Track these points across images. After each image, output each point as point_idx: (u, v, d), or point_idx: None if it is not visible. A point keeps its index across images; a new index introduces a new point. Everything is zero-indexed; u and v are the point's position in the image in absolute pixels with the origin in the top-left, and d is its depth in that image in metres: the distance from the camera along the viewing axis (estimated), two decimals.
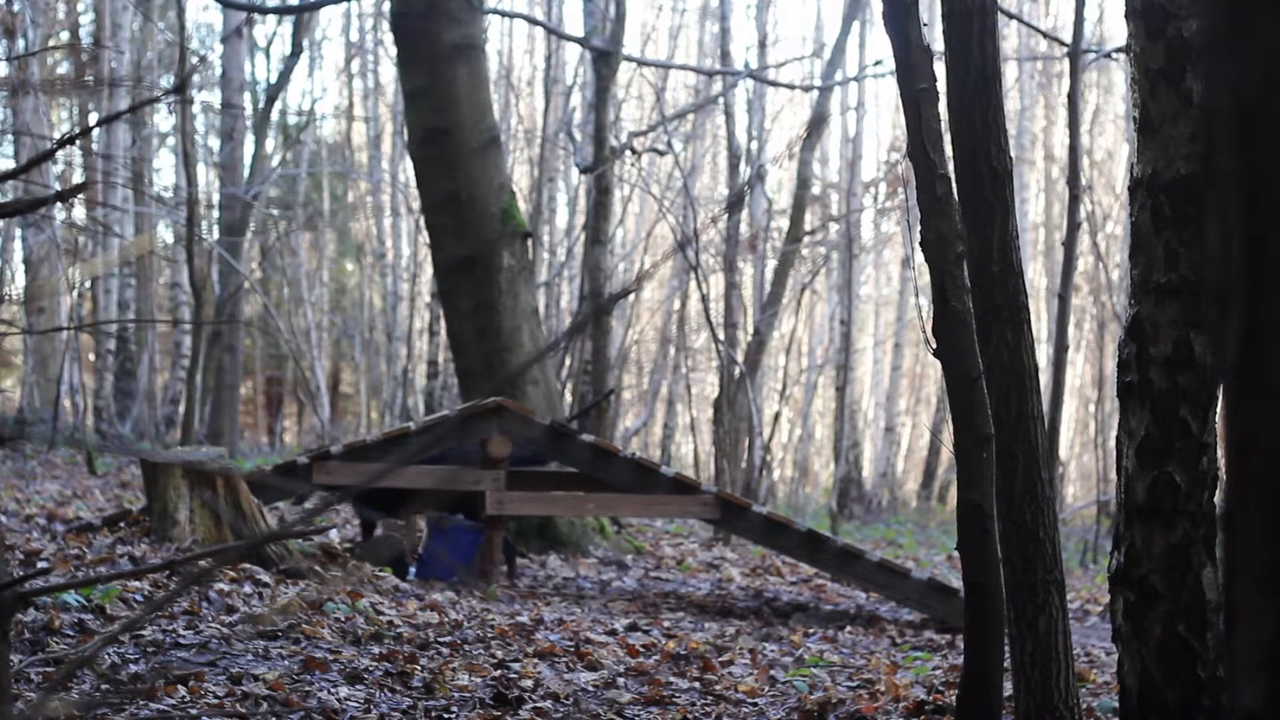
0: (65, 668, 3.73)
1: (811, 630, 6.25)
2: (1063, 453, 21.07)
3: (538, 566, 8.09)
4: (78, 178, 17.48)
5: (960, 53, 3.04)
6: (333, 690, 3.88)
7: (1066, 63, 8.48)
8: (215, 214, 17.69)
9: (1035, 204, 22.76)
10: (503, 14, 13.36)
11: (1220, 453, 2.91)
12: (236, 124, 16.42)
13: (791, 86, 16.50)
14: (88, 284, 18.30)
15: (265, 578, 5.29)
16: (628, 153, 13.36)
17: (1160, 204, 2.92)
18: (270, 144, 19.64)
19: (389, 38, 15.68)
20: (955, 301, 3.14)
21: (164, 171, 24.14)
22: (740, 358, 13.22)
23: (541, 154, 16.76)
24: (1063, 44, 8.86)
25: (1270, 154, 0.80)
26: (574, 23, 18.77)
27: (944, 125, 3.15)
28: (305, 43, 17.38)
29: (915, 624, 6.78)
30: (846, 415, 15.76)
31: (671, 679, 4.54)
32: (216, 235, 16.45)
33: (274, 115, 18.30)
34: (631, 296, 18.77)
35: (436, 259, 9.05)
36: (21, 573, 4.30)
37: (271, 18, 19.15)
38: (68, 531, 6.59)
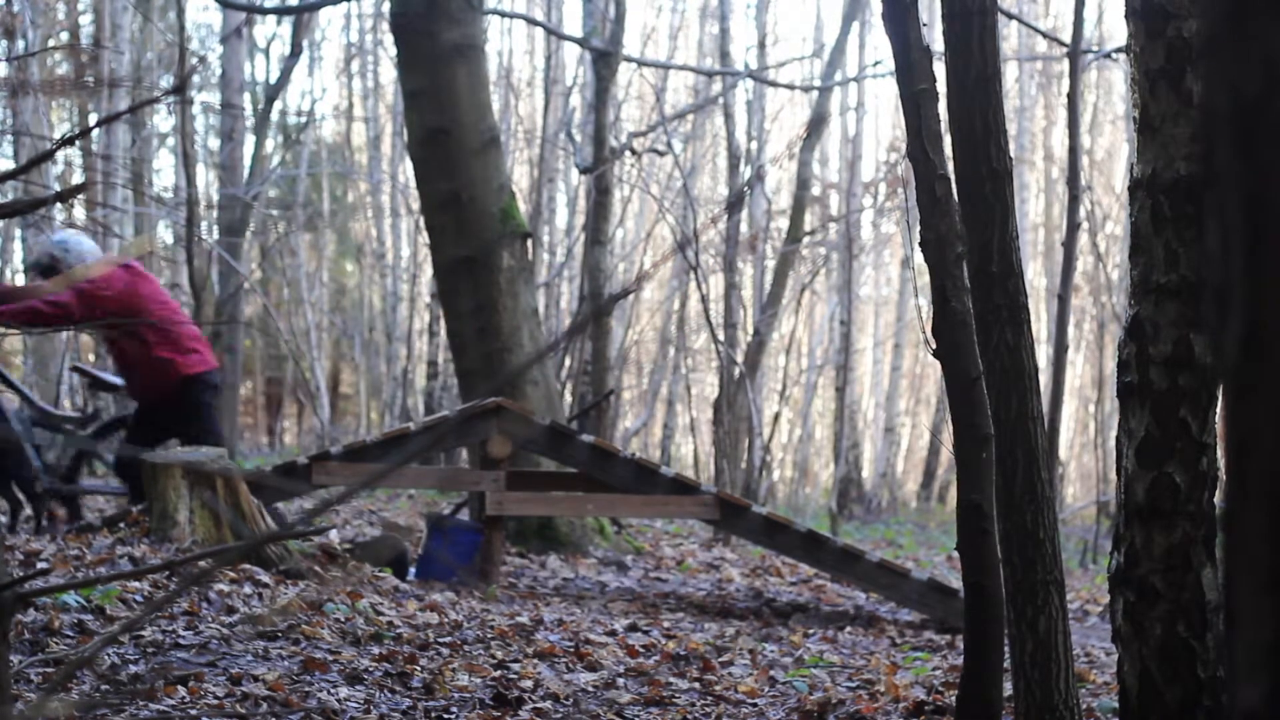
0: (65, 668, 3.72)
1: (811, 630, 6.25)
2: (1063, 453, 21.07)
3: (538, 566, 8.08)
4: (78, 178, 17.48)
5: (960, 53, 3.04)
6: (333, 691, 3.88)
7: (1066, 63, 8.48)
8: (215, 214, 17.67)
9: (1035, 204, 22.75)
10: (503, 14, 13.36)
11: (1220, 453, 2.91)
12: (236, 124, 16.42)
13: (791, 87, 16.51)
14: None
15: (265, 578, 5.29)
16: (628, 153, 13.37)
17: (1160, 204, 2.92)
18: (270, 144, 19.62)
19: (389, 38, 15.67)
20: (955, 302, 3.14)
21: (164, 172, 24.14)
22: (740, 358, 13.22)
23: (541, 154, 16.76)
24: (1062, 44, 8.87)
25: (1270, 154, 0.80)
26: (574, 23, 18.76)
27: (944, 125, 3.14)
28: (305, 43, 17.37)
29: (915, 624, 6.78)
30: (846, 415, 15.75)
31: (671, 679, 4.54)
32: (216, 235, 16.44)
33: (274, 115, 18.29)
34: (631, 297, 18.76)
35: (436, 259, 9.05)
36: (21, 573, 4.31)
37: (271, 18, 19.15)
38: (68, 531, 6.59)
